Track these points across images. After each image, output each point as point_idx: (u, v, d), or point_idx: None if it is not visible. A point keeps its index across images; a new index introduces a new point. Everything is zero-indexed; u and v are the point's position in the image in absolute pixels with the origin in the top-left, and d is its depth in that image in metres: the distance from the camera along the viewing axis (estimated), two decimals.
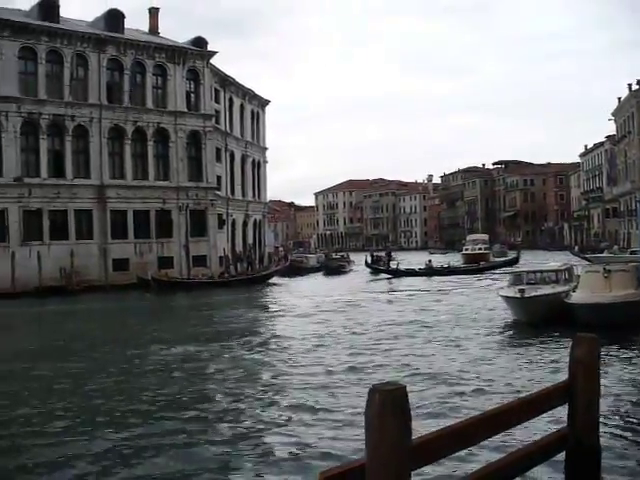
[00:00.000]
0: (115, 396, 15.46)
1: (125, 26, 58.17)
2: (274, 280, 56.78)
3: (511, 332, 24.05)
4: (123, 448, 11.36)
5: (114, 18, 57.28)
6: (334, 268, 68.93)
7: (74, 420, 13.44)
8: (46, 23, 52.84)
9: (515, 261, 60.24)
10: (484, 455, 9.15)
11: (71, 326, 31.30)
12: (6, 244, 49.27)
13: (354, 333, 24.64)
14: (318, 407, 13.40)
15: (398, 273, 58.63)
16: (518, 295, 24.26)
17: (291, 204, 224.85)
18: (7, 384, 17.32)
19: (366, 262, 65.85)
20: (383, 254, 71.85)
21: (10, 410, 14.30)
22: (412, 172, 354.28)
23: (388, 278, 57.24)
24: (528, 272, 28.52)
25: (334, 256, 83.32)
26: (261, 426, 12.48)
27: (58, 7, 55.34)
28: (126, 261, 54.01)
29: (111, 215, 54.23)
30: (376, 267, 64.22)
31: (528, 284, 26.12)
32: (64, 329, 30.06)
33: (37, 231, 50.80)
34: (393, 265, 62.72)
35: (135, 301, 44.50)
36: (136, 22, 65.55)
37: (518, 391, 13.44)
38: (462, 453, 7.21)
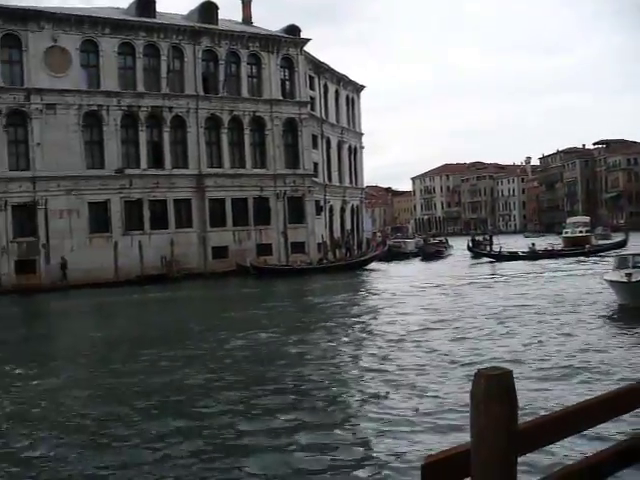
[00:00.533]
0: (217, 380, 14.80)
1: (219, 17, 57.56)
2: (372, 266, 55.17)
3: (618, 317, 21.94)
4: (229, 439, 10.59)
5: (208, 10, 56.79)
6: (431, 253, 66.57)
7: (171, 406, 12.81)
8: (143, 19, 53.23)
9: (623, 244, 56.42)
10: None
11: (173, 313, 30.91)
12: (109, 234, 49.56)
13: (457, 317, 23.16)
14: (422, 392, 12.70)
15: (501, 257, 56.00)
16: (625, 279, 22.07)
17: (388, 189, 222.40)
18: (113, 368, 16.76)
19: (468, 246, 63.49)
20: (482, 238, 69.34)
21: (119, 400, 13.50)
22: (509, 154, 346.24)
23: (490, 262, 54.78)
24: (634, 255, 26.05)
25: (432, 241, 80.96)
26: (366, 410, 11.85)
27: (154, 3, 55.52)
28: (225, 249, 53.47)
29: (210, 204, 53.72)
30: (478, 251, 61.68)
31: (635, 267, 23.76)
32: (166, 316, 29.73)
33: (138, 221, 50.92)
34: (495, 249, 60.01)
35: (234, 288, 43.86)
36: (230, 13, 64.80)
37: (627, 379, 11.85)
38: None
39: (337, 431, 10.68)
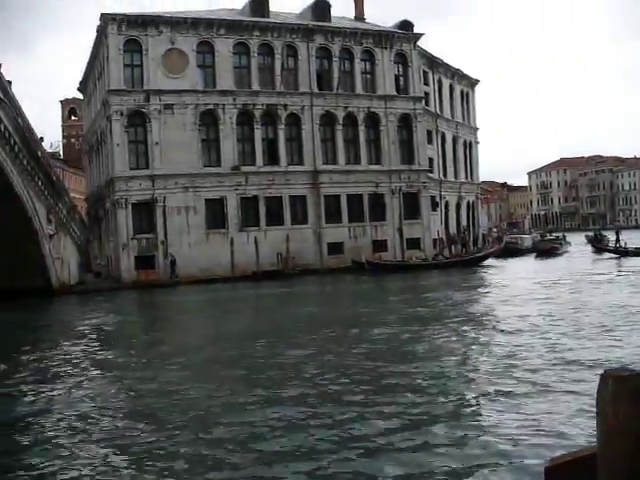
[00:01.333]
0: (340, 377, 13.58)
1: (332, 15, 56.24)
2: (488, 262, 52.55)
3: None
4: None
5: (321, 8, 55.67)
6: (546, 250, 62.55)
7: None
8: (257, 19, 52.72)
9: None
10: None
11: (289, 309, 29.65)
12: (225, 230, 49.04)
13: (580, 314, 20.87)
14: (545, 390, 11.52)
15: (627, 253, 51.84)
16: None
17: (504, 184, 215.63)
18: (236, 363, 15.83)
19: (590, 241, 59.50)
20: (593, 234, 65.12)
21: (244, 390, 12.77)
22: (630, 147, 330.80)
23: (614, 258, 50.83)
24: None
25: (548, 237, 76.81)
26: (487, 408, 10.90)
27: (268, 3, 55.03)
28: (340, 245, 52.11)
29: (325, 200, 52.47)
30: (601, 247, 57.59)
31: None
32: (283, 311, 28.68)
33: (254, 217, 50.22)
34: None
35: (349, 284, 42.74)
36: (342, 10, 63.36)
37: None
38: None
39: (461, 429, 9.79)
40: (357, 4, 60.58)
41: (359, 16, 60.07)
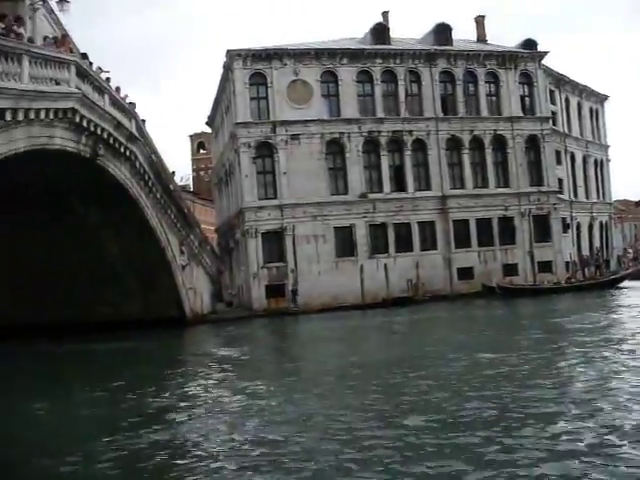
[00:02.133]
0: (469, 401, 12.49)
1: (453, 37, 54.65)
2: (625, 284, 49.13)
3: None
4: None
5: (442, 32, 54.32)
6: None
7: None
8: (379, 46, 51.92)
9: None
10: None
11: (422, 335, 28.42)
12: (355, 258, 48.03)
13: None
14: None
15: None
16: None
17: (638, 203, 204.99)
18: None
19: None
20: None
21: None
22: None
23: None
24: None
25: None
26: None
27: (388, 30, 54.27)
28: (470, 270, 50.17)
29: (453, 225, 50.71)
30: None
31: None
32: (416, 338, 27.32)
33: (383, 244, 49.04)
34: None
35: (482, 309, 40.89)
36: (464, 32, 61.48)
37: None
38: None
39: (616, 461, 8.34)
40: (478, 25, 58.61)
41: (481, 37, 58.09)
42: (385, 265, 47.14)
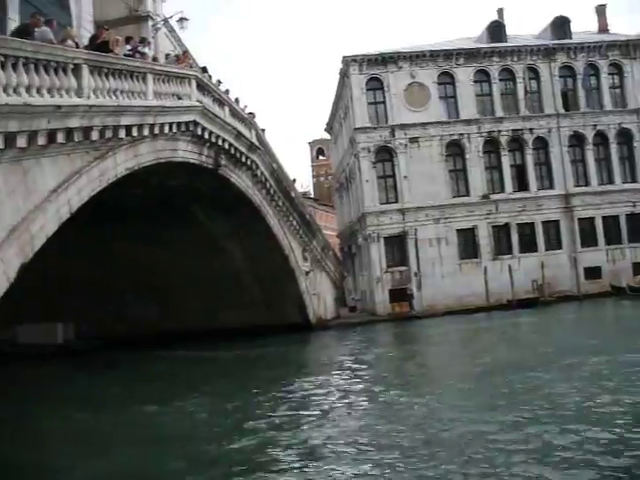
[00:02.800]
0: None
1: (572, 30, 52.24)
2: None
3: None
4: None
5: (560, 25, 52.15)
6: None
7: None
8: (495, 44, 50.27)
9: None
10: None
11: (558, 338, 26.98)
12: (478, 260, 46.70)
13: None
14: None
15: None
16: None
17: None
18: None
19: None
20: None
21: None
22: None
23: None
24: None
25: None
26: None
27: (504, 27, 52.57)
28: (598, 269, 47.78)
29: (579, 223, 48.45)
30: None
31: None
32: (552, 341, 25.61)
33: (506, 245, 47.48)
34: None
35: (612, 310, 39.20)
36: (584, 24, 58.91)
37: None
38: None
39: None
40: (599, 15, 55.55)
41: (602, 28, 55.07)
42: (509, 266, 45.48)
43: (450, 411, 13.03)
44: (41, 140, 13.25)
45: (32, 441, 13.62)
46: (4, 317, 12.03)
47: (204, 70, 25.27)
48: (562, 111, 49.39)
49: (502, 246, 47.23)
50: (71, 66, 14.51)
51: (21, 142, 12.60)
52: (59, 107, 13.52)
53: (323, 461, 10.37)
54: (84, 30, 26.46)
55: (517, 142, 48.76)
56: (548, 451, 9.81)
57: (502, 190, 48.06)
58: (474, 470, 9.05)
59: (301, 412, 14.67)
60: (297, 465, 10.30)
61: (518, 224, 47.54)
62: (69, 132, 14.31)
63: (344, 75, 49.57)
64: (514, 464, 9.24)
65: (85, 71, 14.97)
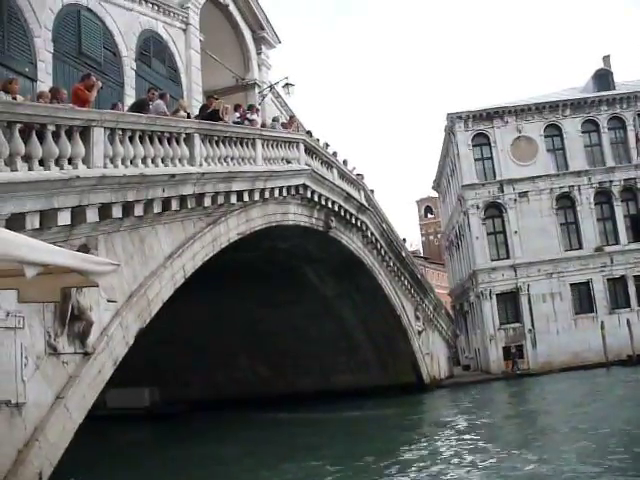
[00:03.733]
0: None
1: None
2: None
3: None
4: None
5: None
6: None
7: None
8: (603, 92, 49.17)
9: None
10: None
11: None
12: (594, 314, 45.01)
13: None
14: None
15: None
16: None
17: None
18: None
19: None
20: None
21: None
22: None
23: None
24: None
25: None
26: None
27: (611, 74, 51.43)
28: None
29: None
30: None
31: None
32: None
33: (623, 298, 45.56)
34: None
35: None
36: None
37: None
38: None
39: None
40: None
41: None
42: (628, 320, 43.36)
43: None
44: (156, 208, 13.55)
45: None
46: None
47: (309, 134, 25.53)
48: None
49: (619, 299, 45.39)
50: (183, 136, 14.90)
51: (138, 211, 12.91)
52: (173, 176, 13.83)
53: None
54: (194, 100, 27.31)
55: (630, 191, 47.19)
56: None
57: (616, 242, 46.36)
58: None
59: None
60: None
61: (635, 276, 45.60)
62: (182, 199, 14.59)
63: (449, 132, 49.41)
64: None
65: (197, 140, 15.33)
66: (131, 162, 12.80)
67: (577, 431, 18.45)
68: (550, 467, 13.41)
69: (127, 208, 12.57)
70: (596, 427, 18.27)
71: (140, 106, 14.97)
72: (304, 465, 16.36)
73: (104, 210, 11.87)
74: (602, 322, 43.41)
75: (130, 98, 22.55)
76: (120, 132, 12.63)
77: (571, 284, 45.26)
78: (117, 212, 12.22)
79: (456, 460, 15.63)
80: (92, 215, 11.54)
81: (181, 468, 17.50)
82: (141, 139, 13.25)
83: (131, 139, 12.91)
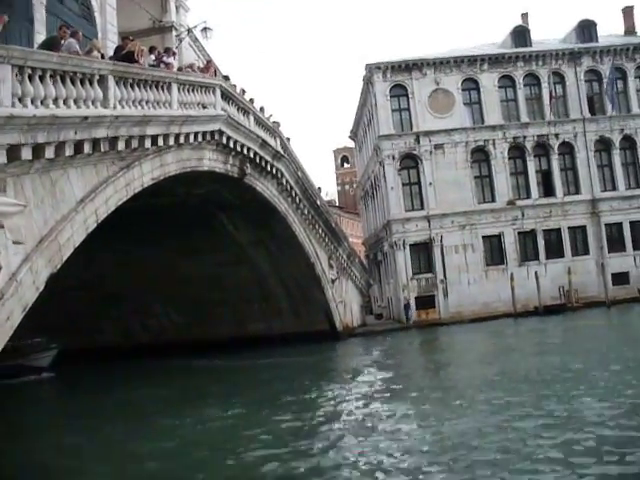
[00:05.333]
0: None
1: (598, 34, 51.83)
2: None
3: None
4: None
5: (586, 28, 51.90)
6: None
7: None
8: (520, 49, 49.89)
9: None
10: None
11: (581, 345, 26.64)
12: (504, 266, 46.33)
13: None
14: None
15: None
16: None
17: None
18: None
19: None
20: None
21: None
22: None
23: None
24: None
25: None
26: None
27: (529, 31, 52.09)
28: (626, 275, 47.15)
29: (606, 228, 47.95)
30: None
31: None
32: (574, 348, 25.53)
33: (533, 251, 47.09)
34: None
35: (638, 316, 37.91)
36: (610, 27, 58.28)
37: None
38: None
39: None
40: (626, 17, 54.52)
41: (630, 30, 54.22)
42: (536, 272, 44.76)
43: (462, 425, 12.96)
44: (68, 151, 13.31)
45: None
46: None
47: (226, 79, 25.30)
48: (588, 115, 48.86)
49: (528, 252, 46.84)
50: (97, 77, 14.57)
51: (49, 153, 12.66)
52: (86, 118, 13.59)
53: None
54: (109, 42, 26.66)
55: (543, 147, 48.35)
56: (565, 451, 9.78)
57: (528, 196, 47.66)
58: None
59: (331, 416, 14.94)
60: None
61: (544, 230, 47.13)
62: (95, 143, 14.37)
63: (368, 82, 49.53)
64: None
65: (111, 82, 15.04)
66: (42, 103, 12.47)
67: (472, 378, 19.39)
68: (453, 409, 14.10)
69: (37, 150, 12.30)
70: (492, 377, 19.19)
71: (51, 44, 14.52)
72: (219, 409, 16.82)
73: (13, 151, 11.59)
74: (512, 274, 44.79)
75: (40, 36, 21.81)
76: (30, 70, 12.22)
77: (483, 236, 46.41)
78: (27, 154, 11.94)
79: (362, 402, 16.33)
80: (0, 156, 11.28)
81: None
82: (52, 79, 12.90)
83: (41, 79, 12.55)
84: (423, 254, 46.35)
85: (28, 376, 28.90)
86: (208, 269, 33.23)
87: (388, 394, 17.95)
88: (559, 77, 49.23)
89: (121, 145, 15.51)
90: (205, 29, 33.16)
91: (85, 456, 13.65)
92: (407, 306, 44.69)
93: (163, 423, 16.06)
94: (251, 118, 26.60)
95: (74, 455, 13.69)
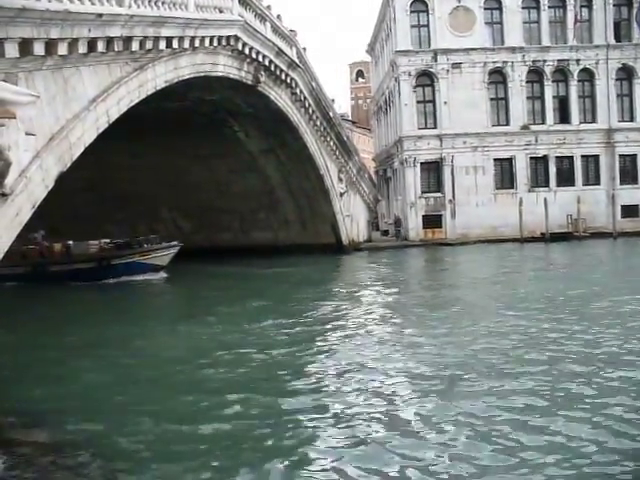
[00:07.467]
0: None
1: None
2: None
3: None
4: None
5: None
6: None
7: None
8: None
9: None
10: None
11: (581, 273, 26.61)
12: (514, 191, 46.09)
13: None
14: None
15: None
16: None
17: None
18: None
19: None
20: None
21: None
22: None
23: None
24: None
25: None
26: None
27: None
28: (635, 207, 46.62)
29: (620, 160, 47.25)
30: None
31: None
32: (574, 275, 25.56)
33: (544, 177, 46.68)
34: None
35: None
36: None
37: None
38: None
39: None
40: None
41: None
42: (545, 199, 44.42)
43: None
44: (82, 48, 13.16)
45: None
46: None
47: None
48: (613, 42, 47.38)
49: (539, 178, 46.48)
50: None
51: (62, 49, 12.52)
52: (100, 15, 13.37)
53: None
54: None
55: (562, 73, 47.21)
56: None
57: (543, 121, 46.84)
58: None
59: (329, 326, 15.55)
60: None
61: (557, 157, 46.56)
62: (109, 42, 14.19)
63: None
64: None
65: None
66: None
67: (469, 298, 19.68)
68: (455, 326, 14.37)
69: (50, 46, 12.16)
70: (491, 300, 19.45)
71: None
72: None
73: (25, 46, 11.45)
74: (521, 199, 44.46)
75: None
76: None
77: (495, 159, 45.99)
78: (39, 49, 11.81)
79: (364, 310, 17.01)
80: (11, 50, 11.14)
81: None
82: None
83: None
84: (433, 173, 46.09)
85: (143, 274, 27.41)
86: (217, 175, 33.24)
87: (382, 307, 18.48)
88: (587, 1, 47.47)
89: (135, 45, 15.32)
90: None
91: None
92: (398, 222, 44.66)
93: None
94: (268, 25, 26.16)
95: None
